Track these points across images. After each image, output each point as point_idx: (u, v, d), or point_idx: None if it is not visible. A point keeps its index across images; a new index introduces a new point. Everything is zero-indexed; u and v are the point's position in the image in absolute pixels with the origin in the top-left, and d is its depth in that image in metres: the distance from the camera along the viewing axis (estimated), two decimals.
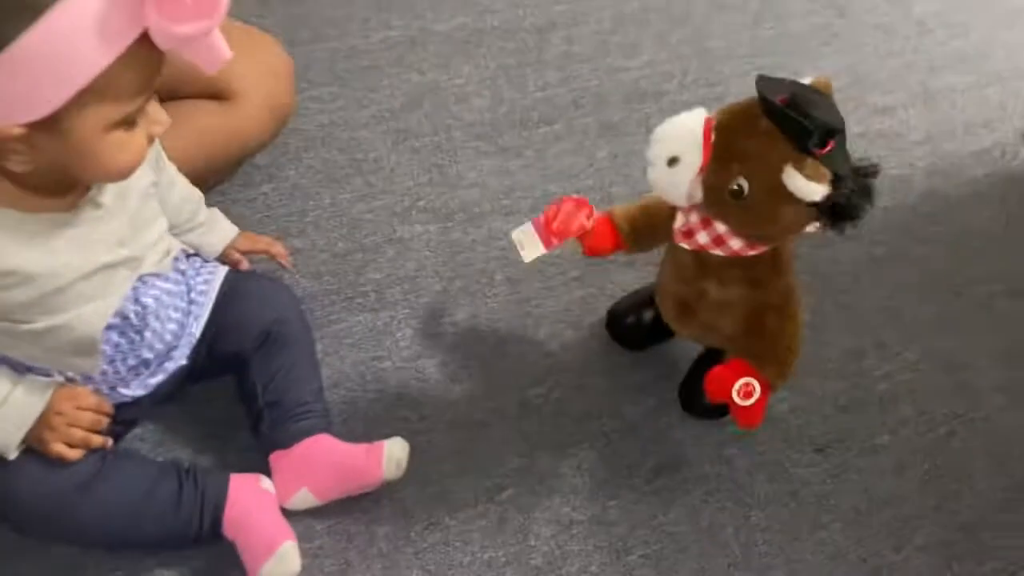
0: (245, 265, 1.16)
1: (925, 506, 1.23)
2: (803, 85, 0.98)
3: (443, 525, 1.12)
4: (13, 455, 0.94)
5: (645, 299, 1.27)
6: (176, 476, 1.02)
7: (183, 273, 1.06)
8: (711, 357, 1.22)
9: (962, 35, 1.96)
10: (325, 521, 1.10)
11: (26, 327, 0.90)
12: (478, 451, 1.19)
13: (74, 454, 0.95)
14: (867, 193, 0.96)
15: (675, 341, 1.27)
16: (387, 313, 1.30)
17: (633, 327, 1.28)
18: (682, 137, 1.00)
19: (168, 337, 1.02)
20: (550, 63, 1.71)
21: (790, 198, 0.96)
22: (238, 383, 1.12)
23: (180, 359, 1.05)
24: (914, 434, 1.30)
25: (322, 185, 1.43)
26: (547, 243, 1.13)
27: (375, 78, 1.61)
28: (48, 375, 0.97)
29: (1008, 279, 1.52)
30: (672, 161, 0.99)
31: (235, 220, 1.20)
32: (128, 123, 0.82)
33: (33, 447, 0.95)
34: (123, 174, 0.86)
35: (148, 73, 0.80)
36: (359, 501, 1.10)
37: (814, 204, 0.96)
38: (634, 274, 1.37)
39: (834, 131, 0.94)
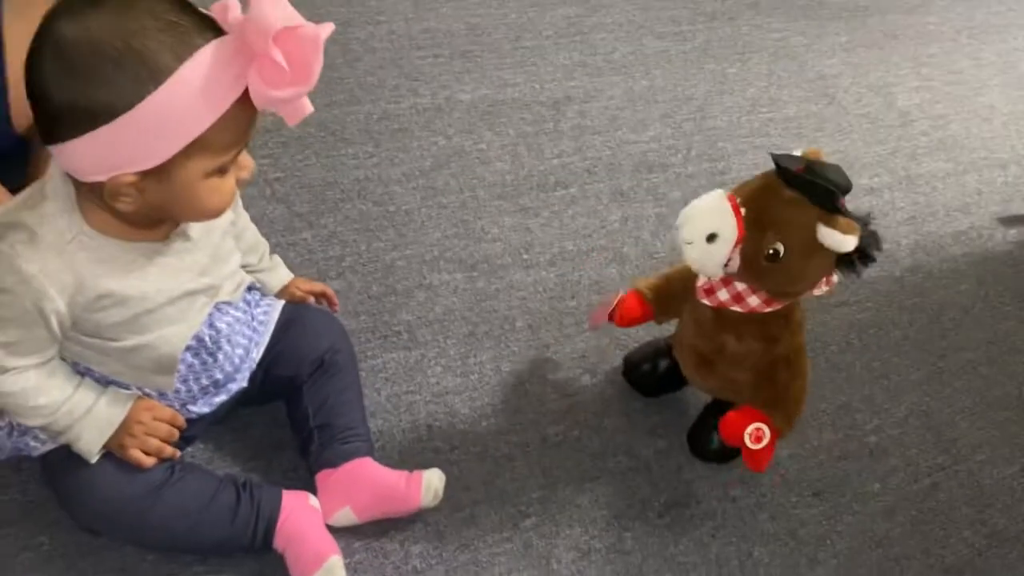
0: (311, 300, 1.26)
1: (913, 548, 1.33)
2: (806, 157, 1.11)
3: (473, 547, 1.20)
4: (95, 459, 1.02)
5: (660, 349, 1.37)
6: (235, 488, 1.09)
7: (249, 304, 1.15)
8: (718, 406, 1.32)
9: (942, 127, 2.13)
10: (363, 539, 1.17)
11: (116, 345, 0.99)
12: (504, 482, 1.27)
13: (149, 461, 1.03)
14: (877, 237, 1.09)
15: (686, 389, 1.38)
16: (418, 352, 1.40)
17: (648, 374, 1.38)
18: (716, 215, 1.09)
19: (237, 360, 1.11)
20: (565, 133, 1.84)
21: (819, 253, 1.07)
22: (288, 406, 1.21)
23: (242, 381, 1.14)
24: (902, 483, 1.40)
25: (358, 233, 1.54)
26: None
27: (406, 140, 1.73)
28: (127, 390, 1.05)
29: (985, 347, 1.65)
30: (711, 237, 1.09)
31: None
32: (222, 170, 0.90)
33: (112, 452, 1.03)
34: (215, 215, 0.95)
35: (244, 128, 0.89)
36: (395, 522, 1.18)
37: (841, 255, 1.07)
38: (644, 329, 1.47)
39: (848, 188, 1.07)
